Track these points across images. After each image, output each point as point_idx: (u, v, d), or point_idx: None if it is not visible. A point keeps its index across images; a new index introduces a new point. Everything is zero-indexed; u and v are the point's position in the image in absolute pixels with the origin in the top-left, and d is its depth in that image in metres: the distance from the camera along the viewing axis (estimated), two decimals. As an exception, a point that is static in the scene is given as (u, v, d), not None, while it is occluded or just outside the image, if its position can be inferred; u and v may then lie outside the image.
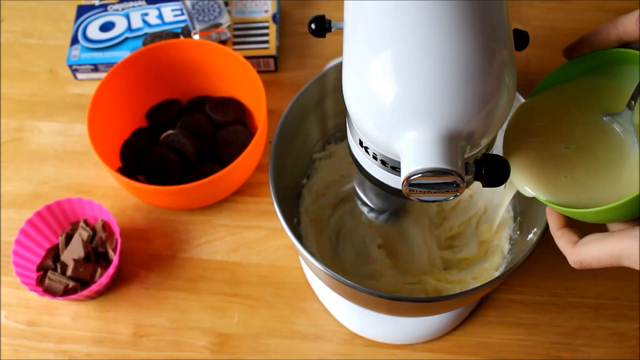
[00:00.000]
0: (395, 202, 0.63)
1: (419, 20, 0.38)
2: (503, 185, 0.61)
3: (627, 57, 0.48)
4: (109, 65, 0.83)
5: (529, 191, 0.48)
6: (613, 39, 0.48)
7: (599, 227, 0.47)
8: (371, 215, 0.65)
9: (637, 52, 0.47)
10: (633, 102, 0.46)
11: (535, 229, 0.57)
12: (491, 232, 0.66)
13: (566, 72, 0.52)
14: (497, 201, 0.67)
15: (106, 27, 0.86)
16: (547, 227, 0.54)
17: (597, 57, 0.50)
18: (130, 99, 0.77)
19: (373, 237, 0.69)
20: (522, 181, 0.49)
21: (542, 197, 0.48)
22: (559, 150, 0.49)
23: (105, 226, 0.71)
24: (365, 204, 0.64)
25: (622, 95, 0.48)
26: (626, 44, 0.48)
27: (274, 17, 0.86)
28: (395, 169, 0.44)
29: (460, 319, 0.67)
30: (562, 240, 0.48)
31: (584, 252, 0.45)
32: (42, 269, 0.69)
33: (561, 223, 0.49)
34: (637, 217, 0.44)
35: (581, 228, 0.48)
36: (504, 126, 0.49)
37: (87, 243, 0.69)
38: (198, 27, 0.82)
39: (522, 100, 0.59)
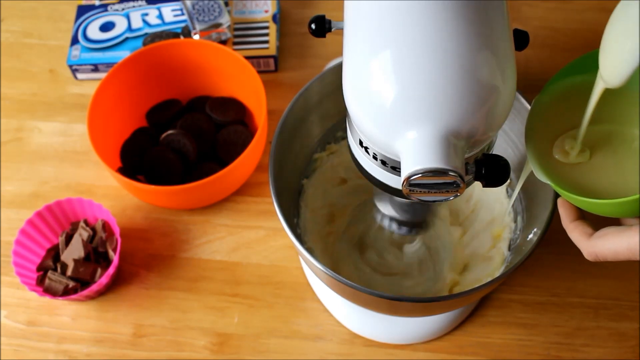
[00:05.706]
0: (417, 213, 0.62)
1: (419, 20, 0.38)
2: (504, 186, 0.61)
3: None
4: (109, 65, 0.83)
5: (544, 177, 0.48)
6: None
7: (612, 221, 0.46)
8: (394, 227, 0.64)
9: None
10: None
11: (535, 229, 0.57)
12: (501, 226, 0.65)
13: (584, 64, 0.51)
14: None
15: (106, 27, 0.86)
16: (547, 228, 0.54)
17: None
18: (130, 99, 0.77)
19: (374, 236, 0.69)
20: (539, 168, 0.48)
21: (556, 184, 0.47)
22: (576, 141, 0.48)
23: (105, 226, 0.71)
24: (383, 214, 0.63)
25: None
26: None
27: (274, 17, 0.86)
28: (395, 169, 0.44)
29: (460, 319, 0.67)
30: (577, 232, 0.47)
31: (600, 245, 0.44)
32: (42, 269, 0.69)
33: (574, 215, 0.48)
34: None
35: (594, 221, 0.47)
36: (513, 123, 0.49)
37: (87, 243, 0.69)
38: (198, 27, 0.82)
39: (522, 100, 0.59)
